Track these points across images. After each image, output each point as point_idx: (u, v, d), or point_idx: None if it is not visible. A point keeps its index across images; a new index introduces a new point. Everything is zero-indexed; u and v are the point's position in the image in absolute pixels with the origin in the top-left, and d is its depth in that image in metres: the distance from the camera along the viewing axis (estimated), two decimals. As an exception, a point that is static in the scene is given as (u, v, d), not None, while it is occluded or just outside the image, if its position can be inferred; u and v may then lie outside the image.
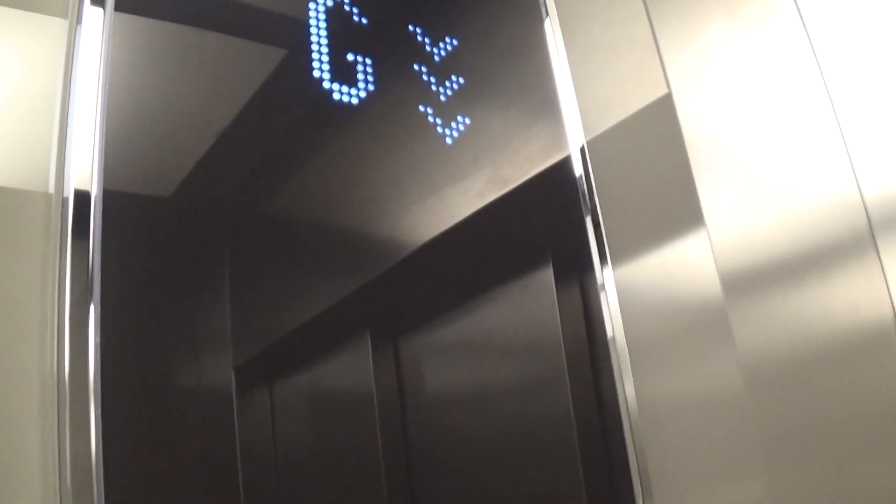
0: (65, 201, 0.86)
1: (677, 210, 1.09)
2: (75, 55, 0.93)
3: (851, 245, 1.17)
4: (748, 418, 0.99)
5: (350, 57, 1.15)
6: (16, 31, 0.93)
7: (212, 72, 1.05)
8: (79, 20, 0.95)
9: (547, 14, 1.29)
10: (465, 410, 1.11)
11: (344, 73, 1.14)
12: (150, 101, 0.98)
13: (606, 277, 1.14)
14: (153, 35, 1.01)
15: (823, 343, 1.09)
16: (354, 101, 1.13)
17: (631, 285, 1.12)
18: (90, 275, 0.84)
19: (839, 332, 1.11)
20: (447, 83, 1.21)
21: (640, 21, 1.17)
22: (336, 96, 1.12)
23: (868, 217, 1.18)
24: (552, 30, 1.28)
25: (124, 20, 0.99)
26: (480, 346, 1.15)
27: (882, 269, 1.16)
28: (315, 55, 1.12)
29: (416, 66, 1.21)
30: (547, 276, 1.14)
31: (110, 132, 0.92)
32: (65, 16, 0.96)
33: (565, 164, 1.21)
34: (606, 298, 1.13)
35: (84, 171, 0.89)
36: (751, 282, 1.07)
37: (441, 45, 1.23)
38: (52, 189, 0.88)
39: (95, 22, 0.96)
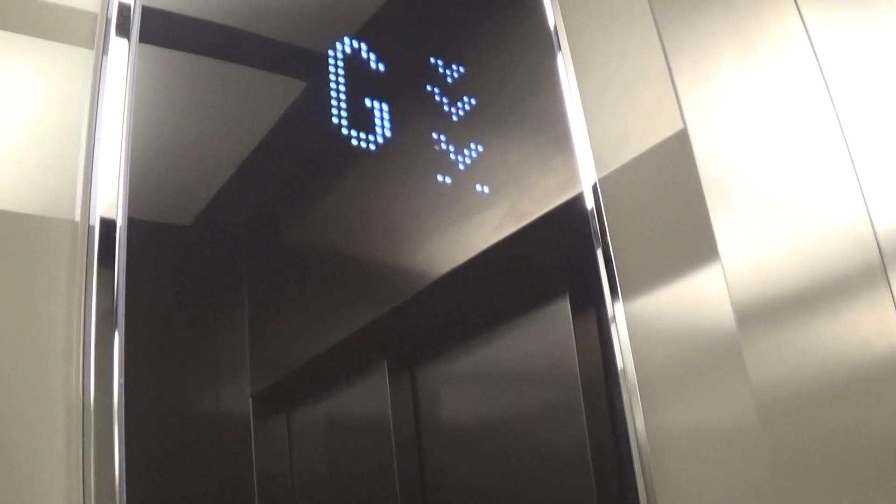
0: (91, 229, 0.87)
1: (692, 244, 1.10)
2: (101, 85, 0.95)
3: (863, 279, 1.18)
4: (760, 451, 0.99)
5: (367, 103, 1.16)
6: (43, 61, 0.95)
7: (233, 104, 1.06)
8: (105, 51, 0.97)
9: (560, 48, 1.31)
10: (479, 441, 1.11)
11: (361, 120, 1.15)
12: (174, 131, 1.00)
13: (617, 311, 1.15)
14: (177, 66, 1.03)
15: (835, 376, 1.09)
16: (372, 146, 1.14)
17: (644, 318, 1.13)
18: (115, 302, 0.85)
19: (851, 365, 1.11)
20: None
21: (656, 57, 1.18)
22: (354, 143, 1.13)
23: (880, 251, 1.19)
24: (565, 65, 1.30)
25: (149, 51, 1.00)
26: (497, 377, 1.15)
27: (893, 302, 1.17)
28: (333, 95, 1.13)
29: (431, 90, 1.23)
30: (564, 308, 1.14)
31: (135, 161, 0.93)
32: (91, 46, 0.98)
33: (578, 199, 1.22)
34: (617, 331, 1.14)
35: (110, 200, 0.90)
36: (764, 315, 1.07)
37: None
38: (78, 217, 0.89)
39: (121, 53, 0.98)
